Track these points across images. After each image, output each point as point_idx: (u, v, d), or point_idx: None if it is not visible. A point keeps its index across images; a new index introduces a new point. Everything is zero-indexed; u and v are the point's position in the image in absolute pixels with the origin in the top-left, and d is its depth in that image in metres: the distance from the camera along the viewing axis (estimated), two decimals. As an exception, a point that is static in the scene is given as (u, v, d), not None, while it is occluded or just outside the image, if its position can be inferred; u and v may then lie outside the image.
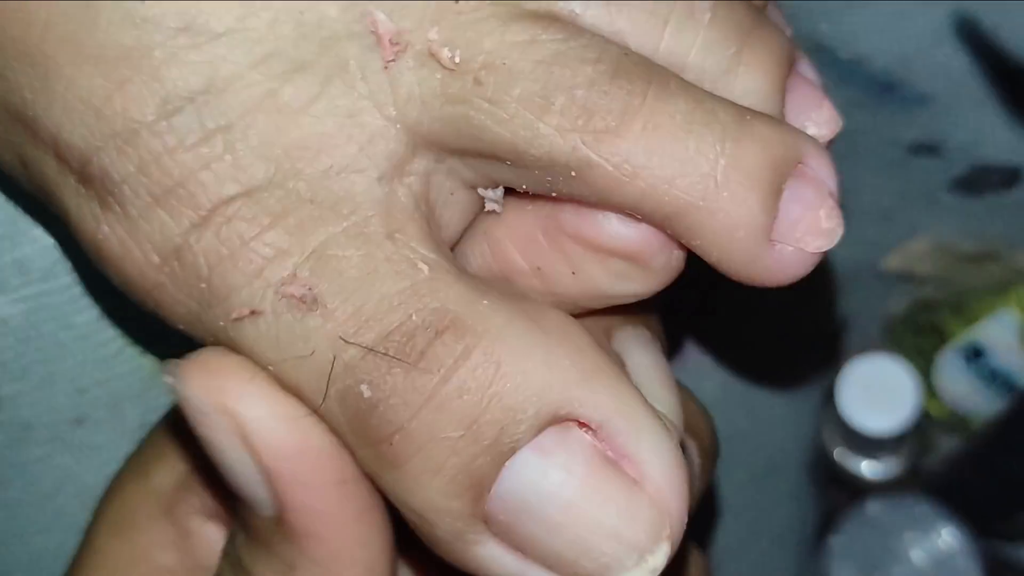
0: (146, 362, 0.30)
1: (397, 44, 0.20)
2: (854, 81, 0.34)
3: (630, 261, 0.22)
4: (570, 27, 0.21)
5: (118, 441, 0.31)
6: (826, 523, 0.49)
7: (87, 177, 0.21)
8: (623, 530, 0.20)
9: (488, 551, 0.21)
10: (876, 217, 0.40)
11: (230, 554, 0.23)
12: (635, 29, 0.21)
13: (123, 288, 0.22)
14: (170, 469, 0.26)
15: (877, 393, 0.45)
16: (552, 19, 0.21)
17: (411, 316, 0.20)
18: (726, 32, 0.22)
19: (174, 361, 0.21)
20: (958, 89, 0.34)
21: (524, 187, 0.22)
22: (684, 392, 0.26)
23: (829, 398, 0.47)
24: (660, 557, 0.20)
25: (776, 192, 0.21)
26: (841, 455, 0.48)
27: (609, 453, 0.20)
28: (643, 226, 0.22)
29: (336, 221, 0.20)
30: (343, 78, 0.21)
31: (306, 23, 0.20)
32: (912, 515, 0.47)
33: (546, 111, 0.20)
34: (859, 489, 0.48)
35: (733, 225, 0.21)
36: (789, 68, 0.23)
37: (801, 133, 0.22)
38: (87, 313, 0.29)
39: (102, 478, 0.31)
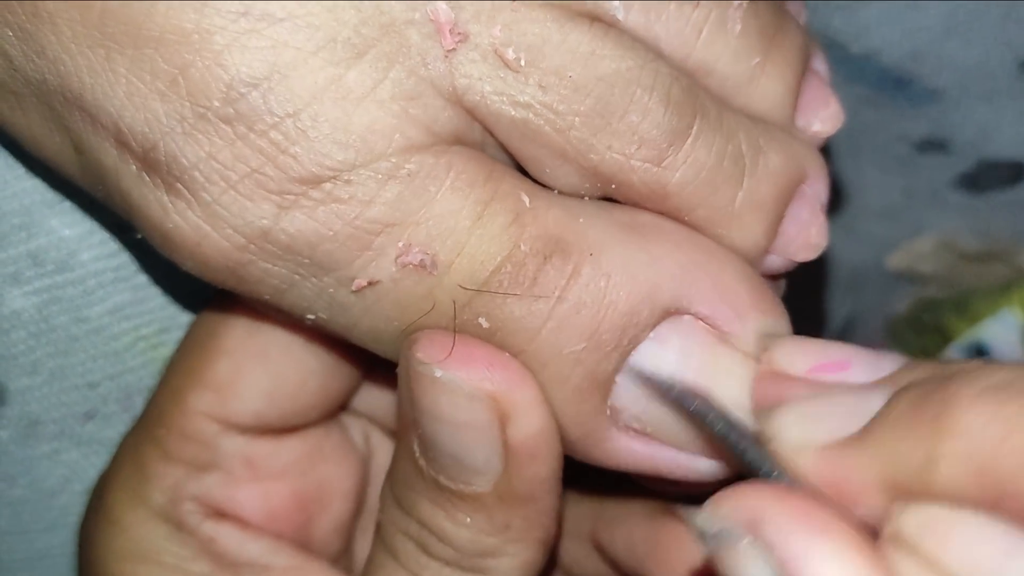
0: (158, 355, 0.30)
1: (459, 34, 0.21)
2: (865, 77, 0.34)
3: None
4: (623, 39, 0.22)
5: (127, 436, 0.31)
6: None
7: (152, 163, 0.21)
8: (744, 400, 0.21)
9: (618, 444, 0.22)
10: (882, 215, 0.40)
11: (399, 523, 0.24)
12: (670, 37, 0.23)
13: (196, 270, 0.22)
14: (162, 487, 0.26)
15: (880, 393, 0.45)
16: (602, 25, 0.22)
17: (519, 246, 0.21)
18: (753, 41, 0.23)
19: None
20: (967, 83, 0.35)
21: (555, 186, 0.23)
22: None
23: (832, 398, 0.47)
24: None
25: (779, 218, 0.24)
26: (843, 455, 0.48)
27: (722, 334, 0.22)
28: None
29: (436, 187, 0.21)
30: (404, 64, 0.21)
31: (365, 8, 0.21)
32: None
33: (602, 130, 0.22)
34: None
35: (738, 248, 0.23)
36: (804, 71, 0.24)
37: (805, 150, 0.24)
38: (100, 306, 0.28)
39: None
